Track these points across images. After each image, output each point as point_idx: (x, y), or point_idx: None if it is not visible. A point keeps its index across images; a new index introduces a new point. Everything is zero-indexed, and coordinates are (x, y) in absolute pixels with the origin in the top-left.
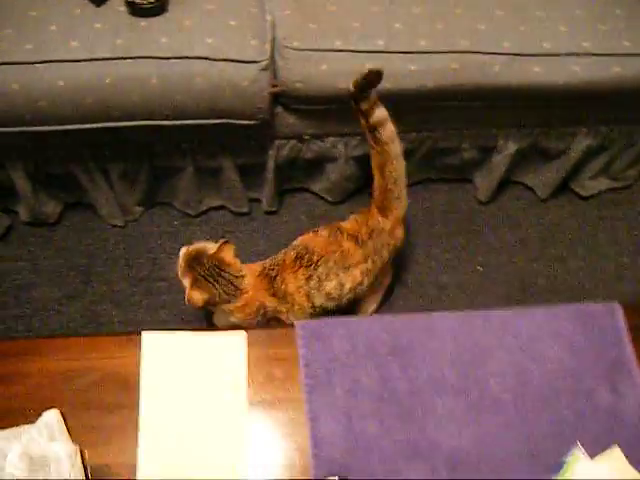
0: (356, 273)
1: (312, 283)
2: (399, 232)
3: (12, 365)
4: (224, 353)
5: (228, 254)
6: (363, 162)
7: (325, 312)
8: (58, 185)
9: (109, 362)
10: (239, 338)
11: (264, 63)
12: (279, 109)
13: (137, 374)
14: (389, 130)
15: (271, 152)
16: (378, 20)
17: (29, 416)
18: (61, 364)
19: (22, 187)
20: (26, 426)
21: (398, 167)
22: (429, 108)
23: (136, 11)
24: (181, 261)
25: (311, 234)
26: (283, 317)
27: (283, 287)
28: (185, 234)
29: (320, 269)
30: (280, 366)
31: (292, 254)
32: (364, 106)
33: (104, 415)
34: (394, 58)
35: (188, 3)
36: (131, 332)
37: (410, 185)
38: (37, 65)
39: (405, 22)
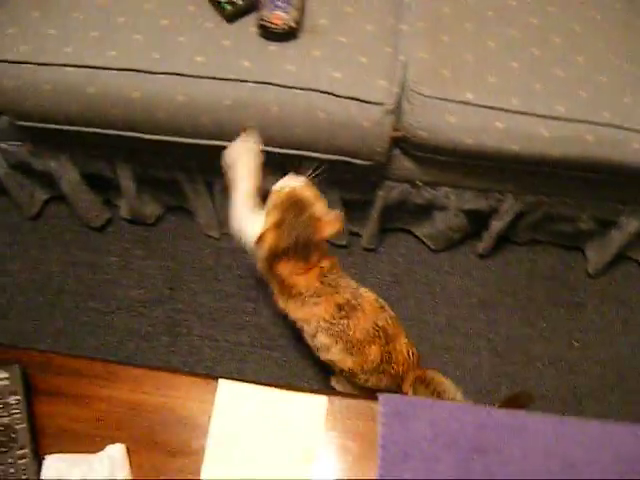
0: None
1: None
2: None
3: (85, 386)
4: (301, 415)
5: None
6: (473, 215)
7: None
8: (161, 189)
9: (182, 403)
10: (319, 402)
11: (390, 107)
12: (397, 152)
13: (208, 421)
14: None
15: (380, 192)
16: (516, 77)
17: (93, 443)
18: (134, 395)
19: (127, 185)
20: (90, 455)
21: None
22: (551, 174)
23: (267, 34)
24: (277, 196)
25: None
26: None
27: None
28: None
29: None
30: (356, 440)
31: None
32: None
33: (168, 458)
34: (527, 120)
35: (320, 32)
36: (209, 375)
37: (516, 244)
38: (160, 75)
39: (545, 84)
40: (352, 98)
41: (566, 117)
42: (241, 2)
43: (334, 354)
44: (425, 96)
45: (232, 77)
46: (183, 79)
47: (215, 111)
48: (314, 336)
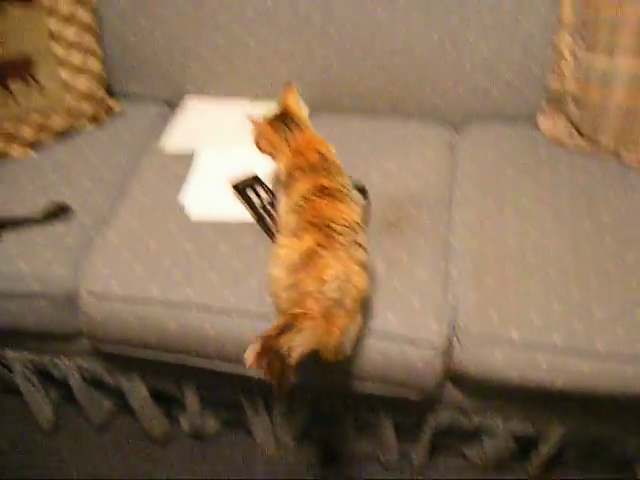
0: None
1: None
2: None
3: None
4: None
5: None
6: (522, 441)
7: None
8: (222, 407)
9: None
10: None
11: (441, 347)
12: (447, 382)
13: None
14: None
15: (430, 418)
16: (557, 316)
17: None
18: None
19: (191, 404)
20: None
21: None
22: (597, 404)
23: None
24: None
25: (338, 204)
26: None
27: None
28: None
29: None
30: None
31: (326, 183)
32: None
33: None
34: (569, 357)
35: (379, 279)
36: None
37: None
38: (233, 314)
39: (585, 322)
40: (405, 339)
41: (605, 353)
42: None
43: (281, 239)
44: (473, 335)
45: None
46: (254, 319)
47: None
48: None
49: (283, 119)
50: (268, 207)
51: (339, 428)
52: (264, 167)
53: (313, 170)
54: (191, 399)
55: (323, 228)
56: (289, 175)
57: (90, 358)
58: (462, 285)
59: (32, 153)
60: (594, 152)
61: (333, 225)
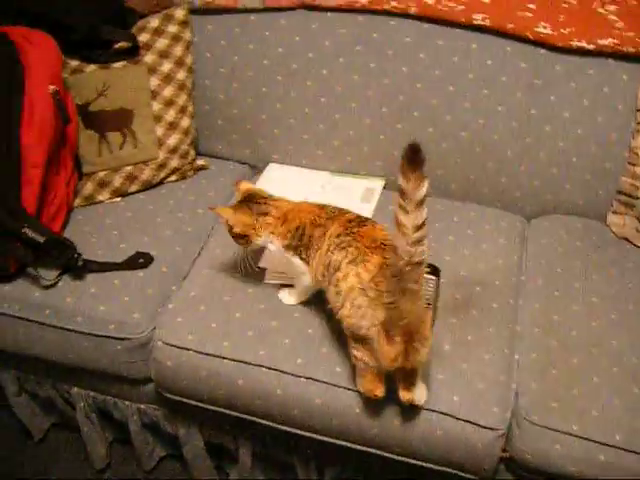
0: (349, 276)
1: (335, 241)
2: (386, 343)
3: None
4: None
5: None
6: None
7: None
8: (275, 468)
9: None
10: None
11: (502, 431)
12: (501, 466)
13: None
14: None
15: None
16: (619, 414)
17: None
18: None
19: (244, 460)
20: None
21: None
22: None
23: None
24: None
25: (377, 227)
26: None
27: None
28: None
29: (347, 238)
30: None
31: (351, 216)
32: None
33: None
34: (629, 453)
35: (445, 357)
36: None
37: None
38: (301, 379)
39: None
40: (468, 421)
41: None
42: None
43: (341, 271)
44: (534, 424)
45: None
46: (321, 385)
47: (344, 415)
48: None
49: (249, 200)
50: None
51: None
52: None
53: (327, 217)
54: (245, 454)
55: (381, 247)
56: (306, 232)
57: (152, 404)
58: (525, 373)
59: (119, 200)
60: None
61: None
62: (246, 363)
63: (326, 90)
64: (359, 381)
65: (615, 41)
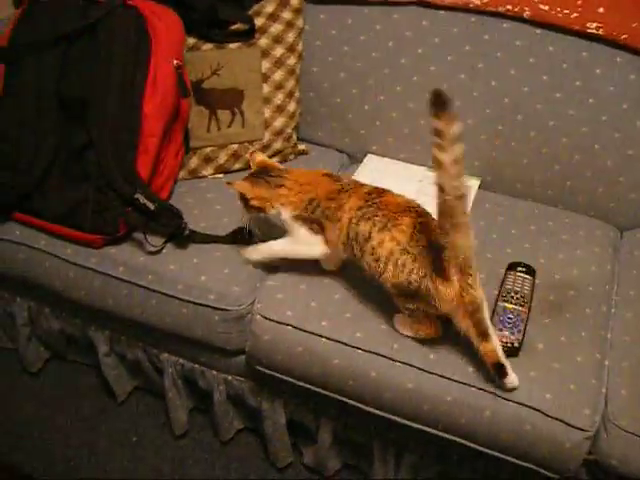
0: (385, 242)
1: (357, 213)
2: (441, 285)
3: None
4: None
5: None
6: None
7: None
8: (351, 448)
9: None
10: None
11: (590, 433)
12: (582, 469)
13: None
14: None
15: None
16: None
17: None
18: None
19: (323, 439)
20: None
21: None
22: None
23: None
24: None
25: (396, 195)
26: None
27: (343, 202)
28: None
29: (370, 209)
30: None
31: (368, 188)
32: None
33: None
34: None
35: (538, 355)
36: None
37: None
38: (397, 363)
39: None
40: (559, 419)
41: None
42: None
43: (374, 240)
44: (621, 429)
45: (457, 379)
46: (415, 370)
47: (437, 404)
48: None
49: (262, 173)
50: None
51: None
52: None
53: (343, 190)
54: (325, 434)
55: (408, 210)
56: (324, 204)
57: (239, 376)
58: (616, 379)
59: (221, 176)
60: None
61: (413, 206)
62: (343, 344)
63: (432, 87)
64: (415, 327)
65: None
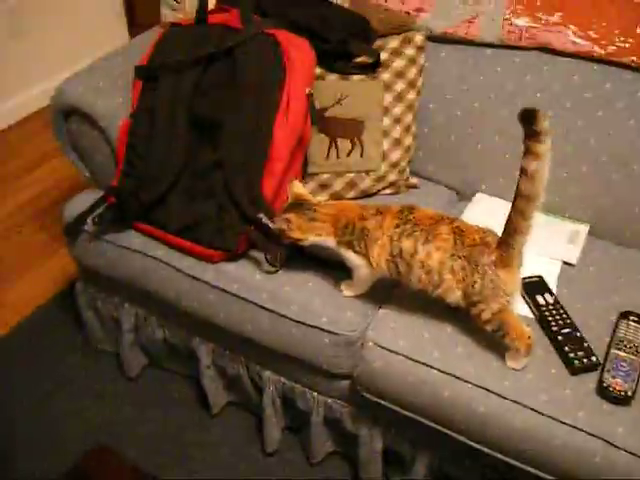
0: (432, 253)
1: (395, 231)
2: (504, 272)
3: None
4: None
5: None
6: None
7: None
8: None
9: None
10: None
11: None
12: None
13: None
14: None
15: None
16: None
17: None
18: None
19: (418, 471)
20: None
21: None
22: None
23: (605, 394)
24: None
25: (424, 209)
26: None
27: (378, 221)
28: None
29: (408, 226)
30: None
31: (398, 207)
32: None
33: None
34: None
35: None
36: None
37: None
38: (506, 401)
39: None
40: None
41: None
42: (590, 360)
43: (420, 253)
44: None
45: (568, 422)
46: (524, 409)
47: (544, 446)
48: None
49: (299, 205)
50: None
51: None
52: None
53: (374, 212)
54: (420, 465)
55: (441, 219)
56: (359, 225)
57: (340, 400)
58: None
59: None
60: None
61: (443, 216)
62: (454, 377)
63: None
64: (515, 344)
65: None
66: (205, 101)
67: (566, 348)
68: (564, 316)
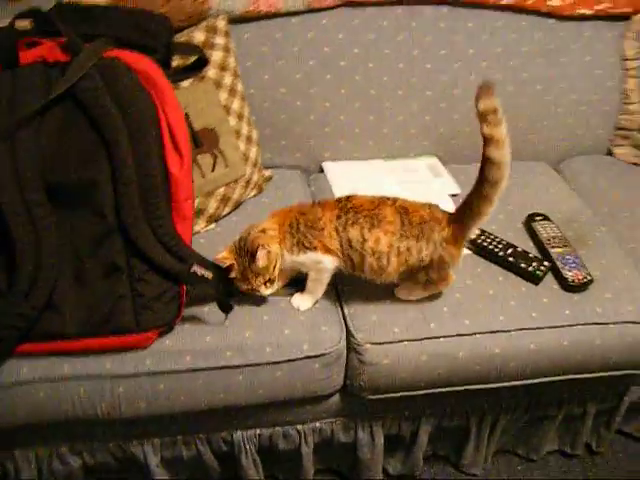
0: (381, 237)
1: (339, 222)
2: (454, 249)
3: None
4: None
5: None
6: None
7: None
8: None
9: None
10: None
11: None
12: None
13: None
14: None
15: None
16: None
17: None
18: None
19: (421, 440)
20: None
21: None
22: None
23: (570, 288)
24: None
25: (360, 195)
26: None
27: (319, 214)
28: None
29: (350, 215)
30: None
31: (333, 199)
32: None
33: None
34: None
35: (600, 282)
36: None
37: None
38: (512, 333)
39: None
40: None
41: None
42: (545, 265)
43: (369, 241)
44: None
45: (562, 323)
46: (528, 332)
47: (555, 351)
48: (349, 241)
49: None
50: (484, 239)
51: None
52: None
53: (311, 206)
54: (423, 435)
55: (382, 202)
56: (302, 219)
57: (328, 419)
58: None
59: (214, 226)
60: None
61: (383, 198)
62: (459, 335)
63: (374, 82)
64: (429, 287)
65: (608, 5)
66: (59, 165)
67: (522, 265)
68: (497, 240)
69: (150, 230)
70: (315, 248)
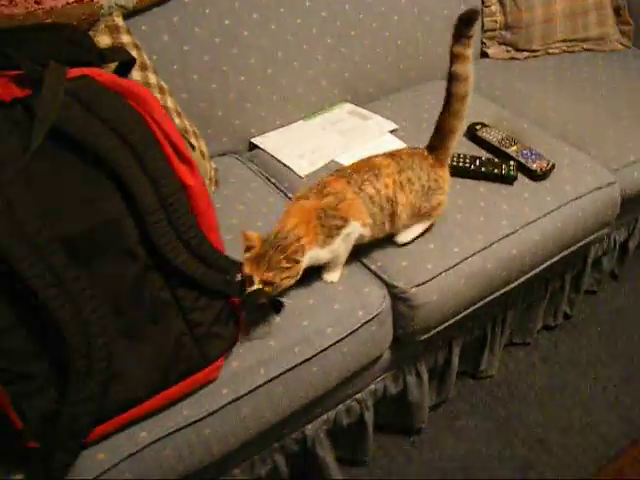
0: (388, 182)
1: (352, 187)
2: (442, 171)
3: None
4: None
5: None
6: None
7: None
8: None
9: None
10: None
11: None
12: None
13: None
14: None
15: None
16: None
17: None
18: None
19: (454, 362)
20: None
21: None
22: None
23: (541, 176)
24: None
25: (351, 164)
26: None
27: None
28: None
29: (354, 177)
30: None
31: (334, 174)
32: None
33: None
34: None
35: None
36: None
37: None
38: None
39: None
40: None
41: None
42: (513, 165)
43: (382, 190)
44: None
45: (552, 208)
46: (537, 222)
47: (563, 234)
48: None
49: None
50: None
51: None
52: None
53: (318, 189)
54: (455, 356)
55: (371, 159)
56: (331, 210)
57: (380, 377)
58: None
59: None
60: (528, 59)
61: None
62: (483, 249)
63: (280, 43)
64: (437, 212)
65: None
66: (65, 212)
67: (495, 171)
68: (462, 156)
69: (189, 253)
70: (346, 219)
